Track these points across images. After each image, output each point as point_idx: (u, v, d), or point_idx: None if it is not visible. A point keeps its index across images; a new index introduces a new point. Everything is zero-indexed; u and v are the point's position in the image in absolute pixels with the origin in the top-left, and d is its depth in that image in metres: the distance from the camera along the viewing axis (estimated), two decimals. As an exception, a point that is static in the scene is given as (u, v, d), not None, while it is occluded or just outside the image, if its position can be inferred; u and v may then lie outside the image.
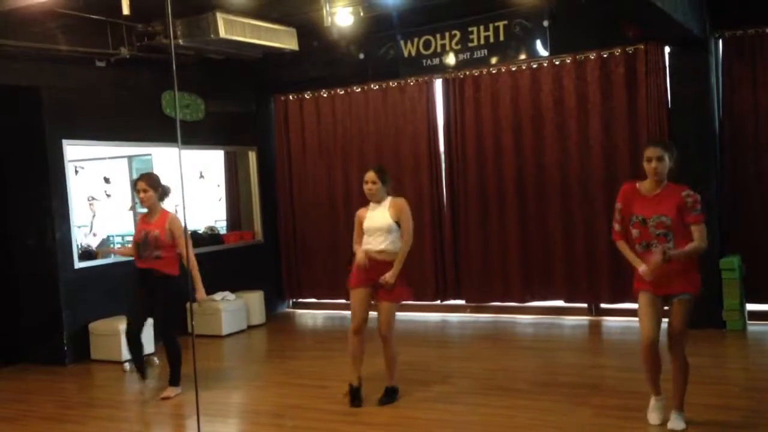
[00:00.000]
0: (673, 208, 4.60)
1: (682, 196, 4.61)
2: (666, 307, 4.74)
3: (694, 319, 7.40)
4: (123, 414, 6.05)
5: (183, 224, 6.32)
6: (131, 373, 7.27)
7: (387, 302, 5.54)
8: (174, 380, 6.27)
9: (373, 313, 5.67)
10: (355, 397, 5.67)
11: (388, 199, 5.62)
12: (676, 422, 4.72)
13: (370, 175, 5.60)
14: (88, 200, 9.51)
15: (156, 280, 6.15)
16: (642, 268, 4.63)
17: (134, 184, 6.33)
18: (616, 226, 4.86)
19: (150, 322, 6.58)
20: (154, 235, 6.13)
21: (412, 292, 5.85)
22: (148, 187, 6.18)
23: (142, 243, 6.17)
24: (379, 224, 5.53)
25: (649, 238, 4.63)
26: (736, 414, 4.99)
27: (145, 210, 6.41)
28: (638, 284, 4.74)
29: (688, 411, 4.80)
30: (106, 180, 11.84)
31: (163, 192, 6.29)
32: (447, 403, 5.65)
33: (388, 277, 5.45)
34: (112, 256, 8.31)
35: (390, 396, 5.69)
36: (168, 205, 6.42)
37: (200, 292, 6.24)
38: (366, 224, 5.61)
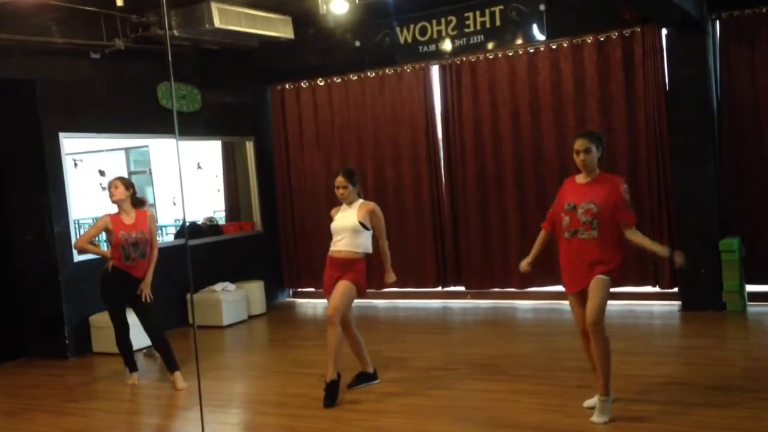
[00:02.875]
0: (603, 196, 4.59)
1: (621, 191, 4.60)
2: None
3: (694, 300, 7.53)
4: (126, 406, 6.05)
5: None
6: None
7: (342, 281, 5.56)
8: (173, 366, 6.31)
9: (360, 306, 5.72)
10: (329, 393, 5.41)
11: (359, 202, 5.66)
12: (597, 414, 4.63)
13: (340, 180, 5.62)
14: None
15: (137, 282, 6.26)
16: (523, 264, 4.99)
17: (109, 185, 6.31)
18: (548, 215, 4.97)
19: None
20: (143, 236, 6.22)
21: (365, 290, 5.77)
22: (121, 184, 6.24)
23: (131, 245, 6.17)
24: (344, 224, 5.60)
25: (577, 224, 4.64)
26: (737, 395, 4.99)
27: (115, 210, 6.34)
28: (567, 289, 4.81)
29: (690, 393, 4.80)
30: (101, 173, 11.81)
31: (138, 199, 6.41)
32: (450, 389, 5.66)
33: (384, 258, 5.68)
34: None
35: (357, 380, 5.80)
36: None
37: (148, 286, 6.31)
38: (333, 225, 5.70)
